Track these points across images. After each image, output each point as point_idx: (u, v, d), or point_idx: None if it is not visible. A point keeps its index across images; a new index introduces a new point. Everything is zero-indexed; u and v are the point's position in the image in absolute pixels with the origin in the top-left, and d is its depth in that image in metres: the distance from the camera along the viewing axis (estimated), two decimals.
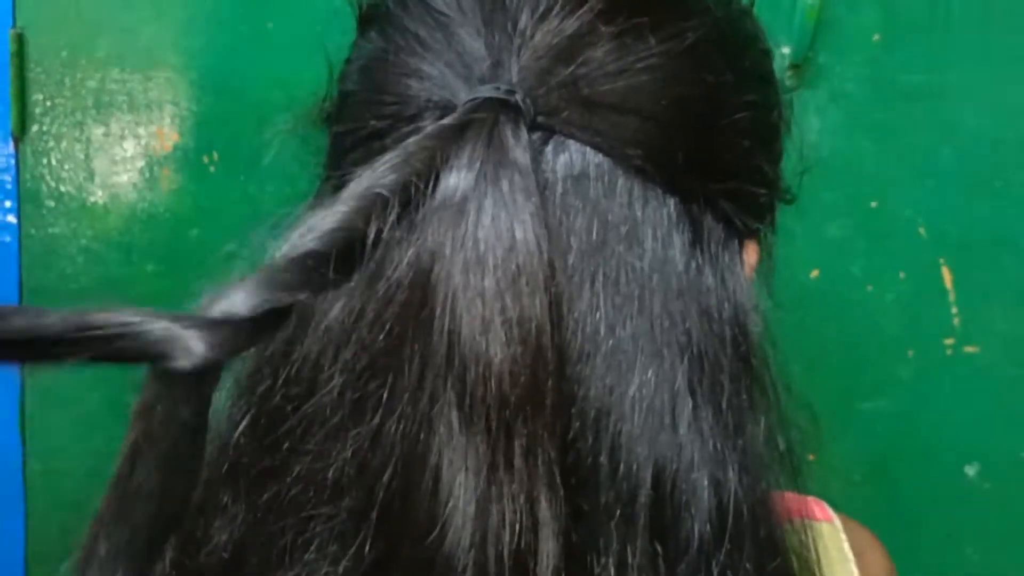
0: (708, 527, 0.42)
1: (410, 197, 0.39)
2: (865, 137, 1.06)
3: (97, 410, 1.08)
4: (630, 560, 0.41)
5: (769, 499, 0.44)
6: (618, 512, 0.41)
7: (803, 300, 1.05)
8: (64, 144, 1.06)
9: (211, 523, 0.44)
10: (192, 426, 0.36)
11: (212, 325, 0.34)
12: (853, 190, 1.06)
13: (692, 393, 0.42)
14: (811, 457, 0.47)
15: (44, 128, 1.06)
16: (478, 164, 0.39)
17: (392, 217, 0.38)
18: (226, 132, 1.06)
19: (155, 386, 0.36)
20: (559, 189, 0.41)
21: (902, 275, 1.08)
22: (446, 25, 0.43)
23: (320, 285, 0.37)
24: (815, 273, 1.08)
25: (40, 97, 1.05)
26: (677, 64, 0.42)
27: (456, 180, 0.39)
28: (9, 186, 1.06)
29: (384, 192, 0.38)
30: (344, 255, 0.37)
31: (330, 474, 0.41)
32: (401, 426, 0.39)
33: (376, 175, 0.39)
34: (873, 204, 1.07)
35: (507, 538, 0.38)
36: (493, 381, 0.38)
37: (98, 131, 1.06)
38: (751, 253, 0.47)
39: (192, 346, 0.34)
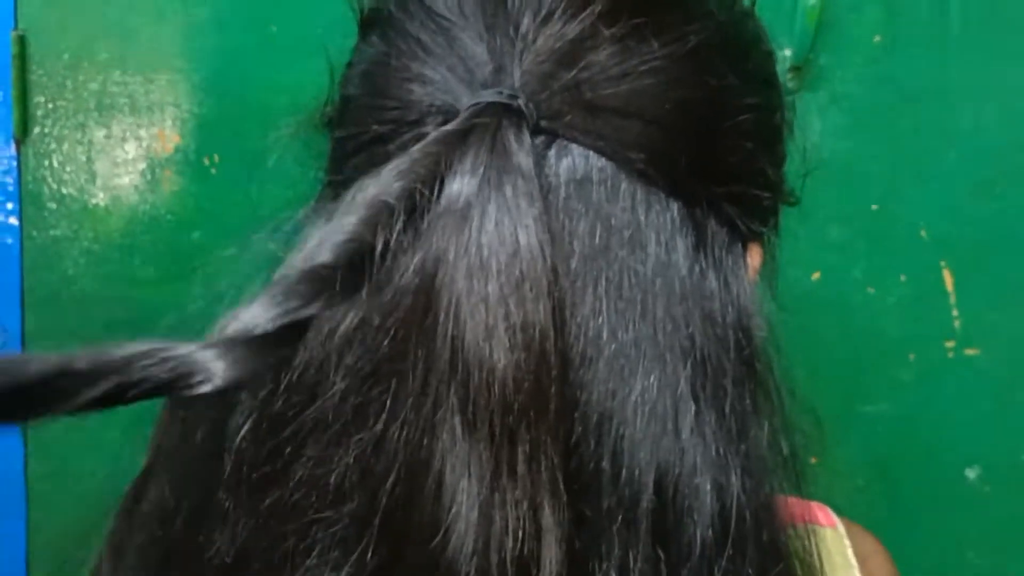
0: (710, 532, 0.42)
1: (415, 204, 0.39)
2: (866, 139, 1.05)
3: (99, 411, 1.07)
4: (632, 565, 0.41)
5: (772, 504, 0.44)
6: (620, 517, 0.41)
7: (804, 303, 1.05)
8: (66, 146, 1.06)
9: (213, 528, 0.44)
10: (210, 448, 0.36)
11: (231, 345, 0.35)
12: (854, 192, 1.06)
13: (695, 397, 0.42)
14: (813, 460, 0.47)
15: (46, 130, 1.06)
16: (481, 169, 0.39)
17: (399, 225, 0.38)
18: (227, 134, 1.06)
19: (176, 410, 0.37)
20: (562, 193, 0.41)
21: (903, 278, 1.08)
22: (448, 29, 0.43)
23: (333, 297, 0.37)
24: (816, 276, 1.08)
25: (42, 99, 1.05)
26: (680, 67, 0.42)
27: (460, 186, 0.39)
28: (11, 188, 1.06)
29: (391, 200, 0.38)
30: (355, 266, 0.38)
31: (332, 480, 0.41)
32: (404, 432, 0.39)
33: (382, 183, 0.39)
34: (874, 207, 1.07)
35: (510, 545, 0.38)
36: (496, 387, 0.38)
37: (100, 133, 1.06)
38: (755, 256, 0.47)
39: (213, 369, 0.35)
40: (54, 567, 0.99)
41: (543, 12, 0.42)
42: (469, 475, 0.38)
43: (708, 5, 0.45)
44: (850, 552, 0.59)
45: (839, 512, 0.61)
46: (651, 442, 0.41)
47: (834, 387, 1.07)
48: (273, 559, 0.42)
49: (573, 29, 0.41)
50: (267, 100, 1.02)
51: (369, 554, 0.40)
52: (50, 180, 1.07)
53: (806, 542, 0.47)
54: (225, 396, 0.37)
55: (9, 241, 1.07)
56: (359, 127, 0.44)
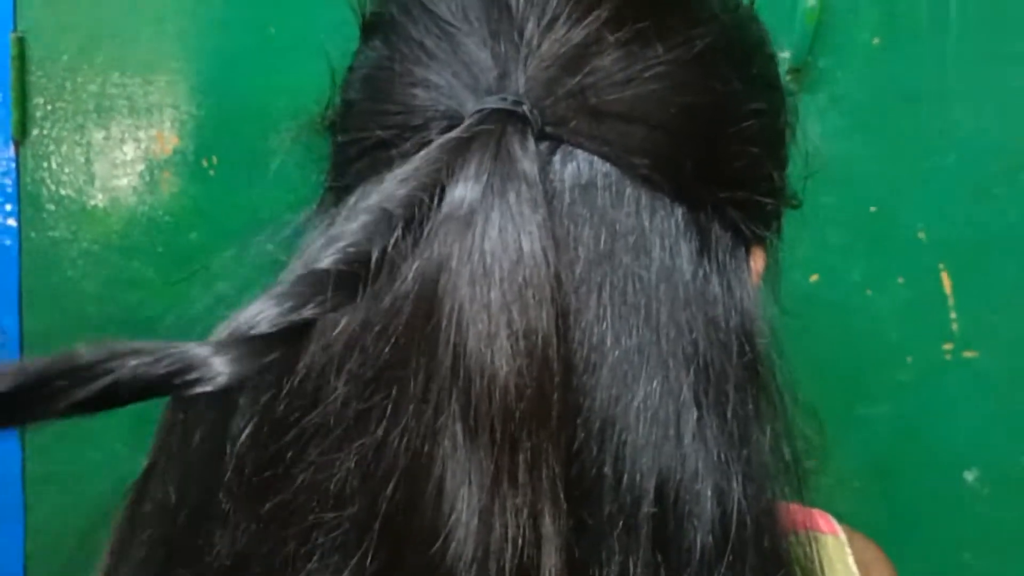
0: (711, 538, 0.42)
1: (419, 211, 0.39)
2: (865, 141, 1.05)
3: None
4: (632, 572, 0.41)
5: (773, 510, 0.44)
6: (621, 523, 0.41)
7: (802, 305, 1.05)
8: (64, 148, 1.06)
9: (213, 532, 0.43)
10: (210, 450, 0.36)
11: (229, 345, 0.35)
12: (852, 195, 1.06)
13: (697, 403, 0.42)
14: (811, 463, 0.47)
15: (45, 132, 1.06)
16: (485, 176, 0.39)
17: (401, 232, 0.38)
18: (226, 136, 1.06)
19: (178, 410, 0.37)
20: (566, 199, 0.41)
21: (901, 280, 1.08)
22: (452, 35, 0.42)
23: (336, 301, 0.37)
24: (815, 278, 1.08)
25: (41, 101, 1.05)
26: (685, 72, 0.42)
27: (463, 192, 0.39)
28: (9, 189, 1.06)
29: (393, 207, 0.38)
30: (357, 271, 0.38)
31: (333, 485, 0.41)
32: (405, 438, 0.39)
33: (385, 189, 0.39)
34: (872, 209, 1.07)
35: (509, 552, 0.38)
36: (498, 394, 0.38)
37: (98, 135, 1.06)
38: (758, 260, 0.47)
39: (211, 367, 0.35)
40: (52, 570, 0.99)
41: (547, 17, 0.41)
42: (469, 482, 0.38)
43: (712, 9, 0.45)
44: (851, 560, 0.59)
45: (840, 519, 0.60)
46: (653, 448, 0.41)
47: (832, 389, 1.07)
48: (273, 563, 0.42)
49: (578, 34, 0.41)
50: (265, 102, 1.02)
51: (369, 559, 0.40)
52: (49, 182, 1.07)
53: (807, 549, 0.47)
54: (226, 397, 0.37)
55: (8, 242, 1.07)
56: (361, 132, 0.44)
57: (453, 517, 0.38)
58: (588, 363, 0.41)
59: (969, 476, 1.11)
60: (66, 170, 1.06)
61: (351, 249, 0.38)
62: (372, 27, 0.47)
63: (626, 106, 0.41)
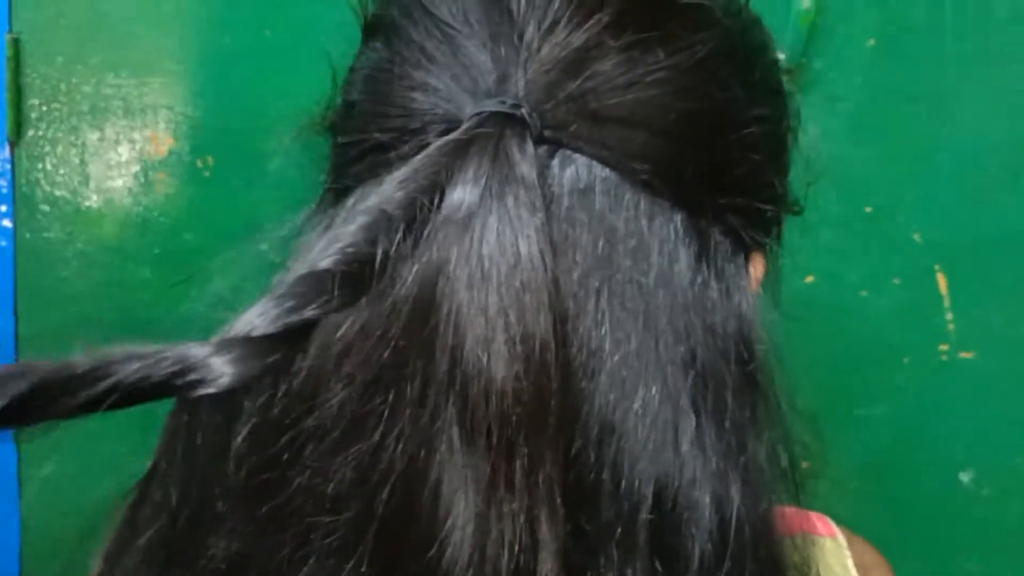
0: (709, 545, 0.41)
1: (416, 214, 0.39)
2: (860, 142, 1.06)
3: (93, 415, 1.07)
4: None
5: (771, 516, 0.44)
6: (619, 530, 0.41)
7: (798, 306, 1.05)
8: (59, 149, 1.06)
9: (208, 534, 0.43)
10: (212, 453, 0.36)
11: (233, 346, 0.35)
12: (848, 196, 1.06)
13: (695, 409, 0.42)
14: (804, 465, 0.47)
15: (39, 133, 1.05)
16: (483, 179, 0.39)
17: (399, 235, 0.38)
18: (221, 137, 1.06)
19: (183, 412, 0.37)
20: (565, 203, 0.41)
21: (897, 281, 1.08)
22: (452, 38, 0.42)
23: (336, 303, 0.37)
24: (810, 279, 1.08)
25: (36, 102, 1.05)
26: (686, 78, 0.42)
27: (462, 195, 0.39)
28: (4, 190, 1.06)
29: (392, 210, 0.38)
30: (355, 274, 0.38)
31: (330, 489, 0.40)
32: (402, 442, 0.39)
33: (384, 192, 0.39)
34: (868, 209, 1.07)
35: (506, 558, 0.38)
36: (495, 398, 0.37)
37: (93, 136, 1.06)
38: (757, 266, 0.47)
39: (212, 368, 0.35)
40: (49, 571, 0.98)
41: (548, 21, 0.41)
42: (466, 487, 0.38)
43: (714, 14, 0.44)
44: (850, 563, 0.58)
45: (839, 522, 0.60)
46: (651, 454, 0.41)
47: (828, 390, 1.07)
48: (270, 566, 0.42)
49: (579, 38, 0.41)
50: (261, 103, 1.02)
51: (365, 564, 0.40)
52: (43, 183, 1.06)
53: (804, 552, 0.47)
54: (230, 399, 0.37)
55: (2, 243, 1.07)
56: (361, 134, 0.44)
57: (449, 522, 0.38)
58: (586, 368, 0.41)
59: (965, 477, 1.11)
60: (61, 171, 1.06)
61: (351, 250, 0.38)
62: (373, 28, 0.47)
63: (626, 111, 0.41)
